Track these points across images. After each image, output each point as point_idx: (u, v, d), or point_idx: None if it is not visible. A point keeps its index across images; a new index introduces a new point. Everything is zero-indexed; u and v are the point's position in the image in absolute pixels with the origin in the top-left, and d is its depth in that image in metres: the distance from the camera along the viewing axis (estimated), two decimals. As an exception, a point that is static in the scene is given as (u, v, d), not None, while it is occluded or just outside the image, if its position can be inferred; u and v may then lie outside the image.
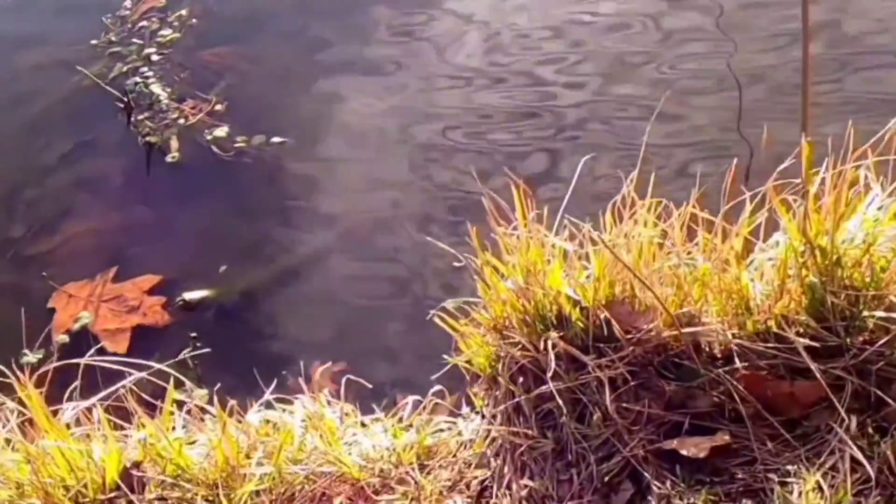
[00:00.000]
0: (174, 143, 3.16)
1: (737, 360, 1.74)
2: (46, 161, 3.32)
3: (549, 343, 1.78)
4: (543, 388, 1.78)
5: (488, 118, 3.05)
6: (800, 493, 1.55)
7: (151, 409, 1.95)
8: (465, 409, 2.07)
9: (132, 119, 3.28)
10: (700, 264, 1.80)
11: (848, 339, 1.71)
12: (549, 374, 1.76)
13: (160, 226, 2.97)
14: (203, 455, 1.86)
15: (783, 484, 1.58)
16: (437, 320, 2.00)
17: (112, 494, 1.77)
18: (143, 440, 1.80)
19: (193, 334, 2.51)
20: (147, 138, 3.21)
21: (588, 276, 1.85)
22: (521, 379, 1.86)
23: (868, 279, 1.74)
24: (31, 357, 2.60)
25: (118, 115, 3.33)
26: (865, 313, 1.72)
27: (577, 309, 1.83)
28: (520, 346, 1.86)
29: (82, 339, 2.66)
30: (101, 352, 2.49)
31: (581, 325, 1.82)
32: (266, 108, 3.25)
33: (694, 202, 1.76)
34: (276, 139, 3.08)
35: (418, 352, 2.37)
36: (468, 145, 2.96)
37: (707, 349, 1.79)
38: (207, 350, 2.38)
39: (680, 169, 2.70)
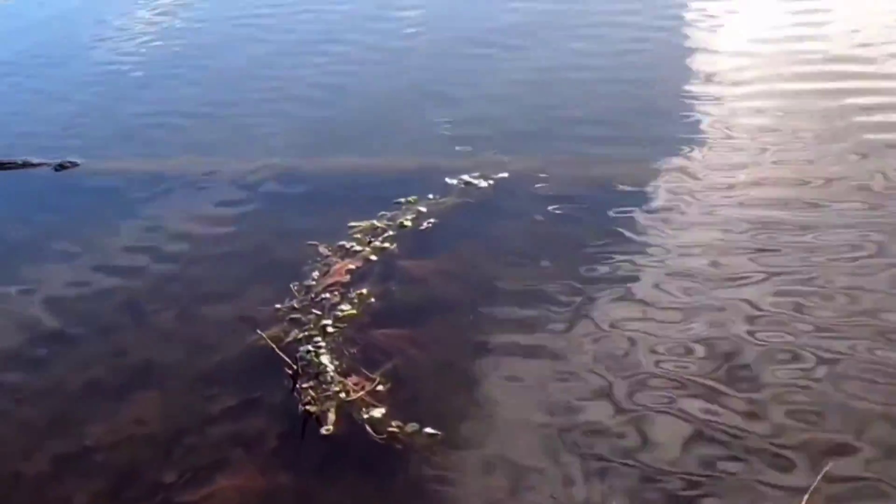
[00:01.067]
0: (331, 416, 3.27)
1: None
2: (211, 411, 3.48)
3: None
4: None
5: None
6: None
7: None
8: None
9: (297, 385, 3.42)
10: None
11: None
12: None
13: (303, 496, 3.02)
14: None
15: None
16: None
17: None
18: None
19: None
20: (307, 406, 3.32)
21: None
22: None
23: None
24: None
25: (285, 379, 3.48)
26: None
27: None
28: None
29: None
30: None
31: None
32: (426, 396, 3.34)
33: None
34: (429, 430, 3.12)
35: None
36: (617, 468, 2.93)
37: None
38: None
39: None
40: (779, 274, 3.77)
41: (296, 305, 3.94)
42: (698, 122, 5.36)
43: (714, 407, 3.12)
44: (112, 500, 3.19)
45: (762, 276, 3.78)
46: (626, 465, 2.93)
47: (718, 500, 2.78)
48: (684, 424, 3.05)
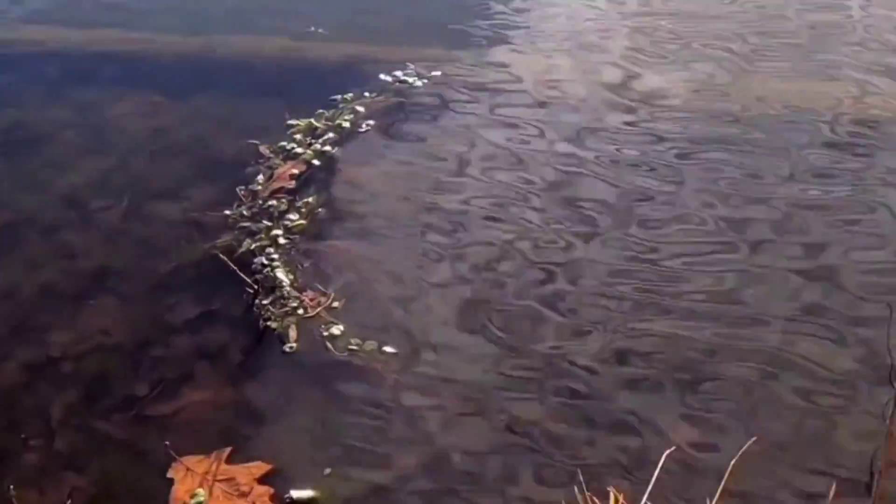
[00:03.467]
0: (292, 333, 3.52)
1: None
2: (172, 322, 3.68)
3: None
4: None
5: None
6: None
7: None
8: None
9: (256, 301, 3.64)
10: None
11: None
12: None
13: (272, 411, 3.29)
14: None
15: None
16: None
17: None
18: None
19: (299, 536, 2.81)
20: (268, 322, 3.56)
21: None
22: None
23: None
24: (151, 528, 2.93)
25: (242, 291, 3.69)
26: None
27: None
28: None
29: (197, 517, 2.97)
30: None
31: None
32: (381, 312, 3.60)
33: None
34: (387, 349, 3.42)
35: None
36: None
37: None
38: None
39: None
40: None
41: (245, 213, 4.10)
42: None
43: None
44: (87, 411, 3.38)
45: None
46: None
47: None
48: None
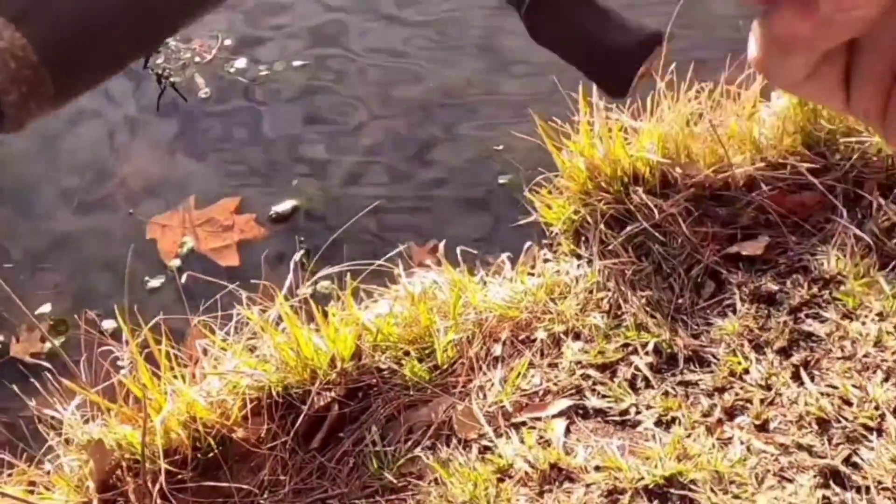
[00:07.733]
0: (199, 80, 3.59)
1: (763, 185, 2.55)
2: (83, 104, 3.65)
3: (637, 196, 2.53)
4: (634, 226, 2.54)
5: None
6: (827, 263, 2.41)
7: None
8: (552, 256, 2.78)
9: (148, 64, 3.66)
10: (728, 124, 2.58)
11: (832, 159, 2.55)
12: (640, 217, 2.51)
13: (213, 154, 3.45)
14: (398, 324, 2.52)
15: (815, 260, 2.43)
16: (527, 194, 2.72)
17: (352, 362, 2.42)
18: (369, 319, 2.44)
19: (301, 238, 3.08)
20: (170, 79, 3.61)
21: (650, 146, 2.59)
22: (611, 225, 2.61)
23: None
24: (154, 282, 3.13)
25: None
26: (840, 140, 2.56)
27: (648, 168, 2.58)
28: (604, 201, 2.60)
29: (193, 260, 3.18)
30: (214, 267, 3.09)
31: (651, 179, 2.58)
32: (274, 33, 3.71)
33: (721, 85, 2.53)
34: (296, 63, 3.58)
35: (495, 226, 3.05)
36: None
37: (740, 182, 2.59)
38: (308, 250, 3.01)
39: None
40: None
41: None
42: None
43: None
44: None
45: None
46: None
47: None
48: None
